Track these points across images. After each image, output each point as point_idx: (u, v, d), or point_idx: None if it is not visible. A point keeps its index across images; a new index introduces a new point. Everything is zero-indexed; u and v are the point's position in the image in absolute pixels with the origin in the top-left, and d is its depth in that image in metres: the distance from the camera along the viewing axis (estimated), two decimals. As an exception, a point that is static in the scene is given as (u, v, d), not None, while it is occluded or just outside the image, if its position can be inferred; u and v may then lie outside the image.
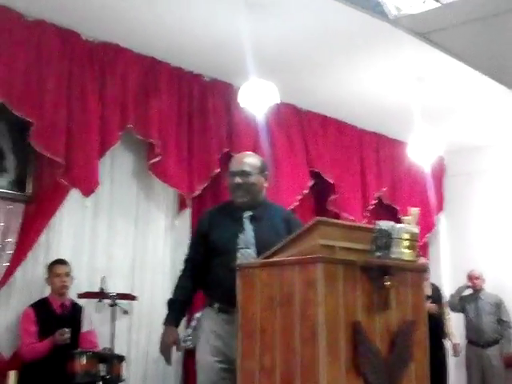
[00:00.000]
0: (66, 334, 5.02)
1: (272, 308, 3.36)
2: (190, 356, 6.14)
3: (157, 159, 5.99)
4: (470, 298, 8.13)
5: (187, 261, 3.87)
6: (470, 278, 8.07)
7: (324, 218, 3.42)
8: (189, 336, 6.02)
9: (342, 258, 3.31)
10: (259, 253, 3.47)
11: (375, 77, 6.40)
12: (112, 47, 5.82)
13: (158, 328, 5.91)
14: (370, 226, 3.42)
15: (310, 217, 7.34)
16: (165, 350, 3.69)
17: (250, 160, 3.80)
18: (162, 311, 3.92)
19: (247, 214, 3.69)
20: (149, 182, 6.21)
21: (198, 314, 6.11)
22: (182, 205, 6.35)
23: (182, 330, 6.10)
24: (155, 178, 6.10)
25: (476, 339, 8.02)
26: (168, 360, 3.69)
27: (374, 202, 7.79)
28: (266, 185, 3.83)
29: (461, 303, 8.08)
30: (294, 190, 7.04)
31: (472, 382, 8.11)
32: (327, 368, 3.20)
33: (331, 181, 7.34)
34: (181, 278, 3.85)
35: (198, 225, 3.97)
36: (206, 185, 6.41)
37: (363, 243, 3.38)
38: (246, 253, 3.57)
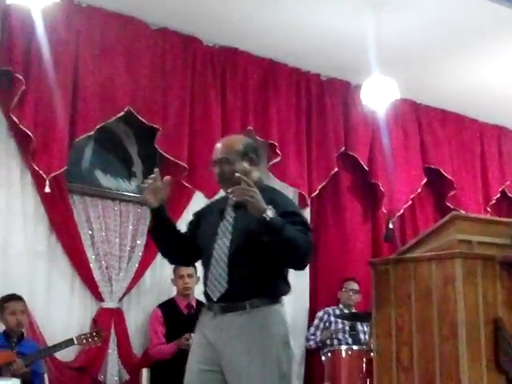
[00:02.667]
0: (190, 339, 5.12)
1: (408, 305, 3.33)
2: (312, 355, 6.17)
3: (277, 160, 6.04)
4: None
5: None
6: None
7: (460, 213, 3.38)
8: (312, 335, 6.04)
9: (480, 253, 3.25)
10: (233, 241, 3.07)
11: (498, 67, 6.22)
12: (232, 51, 5.93)
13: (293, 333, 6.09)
14: (509, 220, 3.34)
15: (429, 214, 7.24)
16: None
17: (228, 145, 3.24)
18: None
19: (231, 201, 3.13)
20: (269, 182, 6.23)
21: (320, 313, 6.14)
22: (301, 204, 6.36)
23: (301, 329, 6.16)
24: (274, 178, 6.15)
25: None
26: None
27: (496, 196, 7.56)
28: (252, 168, 3.23)
29: None
30: (408, 188, 6.94)
31: None
32: (468, 366, 3.15)
33: (450, 177, 7.18)
34: None
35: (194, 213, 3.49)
36: (324, 183, 6.41)
37: (501, 237, 3.31)
38: (222, 242, 3.11)
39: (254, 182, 3.04)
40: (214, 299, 3.00)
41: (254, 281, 3.01)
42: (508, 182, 7.67)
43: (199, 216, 3.32)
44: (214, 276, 3.04)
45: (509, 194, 7.69)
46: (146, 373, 5.17)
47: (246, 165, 3.18)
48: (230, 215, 3.14)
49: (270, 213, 2.85)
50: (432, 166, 7.14)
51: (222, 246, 3.10)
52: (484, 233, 3.32)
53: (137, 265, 5.42)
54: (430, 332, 3.23)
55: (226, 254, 3.05)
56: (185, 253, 3.32)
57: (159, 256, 5.53)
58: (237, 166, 3.14)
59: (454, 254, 3.17)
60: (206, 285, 3.09)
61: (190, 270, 5.40)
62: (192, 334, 5.01)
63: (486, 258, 3.24)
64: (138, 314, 5.49)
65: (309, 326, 6.15)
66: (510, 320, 3.29)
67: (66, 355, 4.95)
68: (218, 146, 3.24)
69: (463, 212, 6.94)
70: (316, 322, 6.10)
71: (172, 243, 3.28)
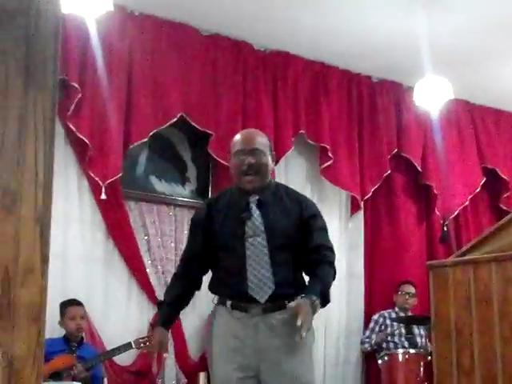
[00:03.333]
0: None
1: (467, 307, 3.30)
2: (368, 359, 6.14)
3: (329, 163, 6.03)
4: None
5: (181, 260, 3.38)
6: None
7: (522, 213, 3.30)
8: (367, 338, 6.00)
9: (542, 254, 3.19)
10: (269, 240, 3.02)
11: (554, 65, 6.11)
12: (283, 55, 5.95)
13: (343, 332, 6.06)
14: None
15: (485, 216, 7.12)
16: (150, 351, 3.51)
17: (260, 137, 3.20)
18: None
19: (254, 198, 3.08)
20: (321, 186, 6.25)
21: (375, 316, 6.10)
22: (354, 207, 6.34)
23: (356, 333, 6.12)
24: (327, 181, 6.14)
25: None
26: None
27: (550, 199, 7.40)
28: (274, 167, 3.30)
29: None
30: (465, 189, 6.84)
31: None
32: (531, 368, 3.09)
33: (505, 177, 7.05)
34: (172, 279, 3.45)
35: (191, 220, 3.42)
36: (377, 186, 6.37)
37: None
38: (256, 241, 3.04)
39: (271, 180, 3.16)
40: (262, 301, 2.96)
41: (293, 279, 3.05)
42: None
43: (205, 222, 3.16)
44: (258, 277, 2.99)
45: None
46: (203, 376, 5.21)
47: (270, 160, 3.15)
48: (256, 213, 3.05)
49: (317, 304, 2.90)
50: (488, 166, 7.04)
51: (258, 246, 3.03)
52: (545, 233, 3.27)
53: (190, 269, 5.45)
54: (491, 334, 3.19)
55: (266, 254, 3.01)
56: (199, 283, 3.31)
57: (214, 260, 5.62)
58: (268, 159, 3.12)
59: (514, 256, 3.13)
60: (241, 286, 3.00)
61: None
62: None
63: (547, 259, 3.19)
64: (195, 318, 5.50)
65: (364, 330, 6.12)
66: None
67: (124, 359, 5.02)
68: (249, 136, 3.18)
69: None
70: (371, 325, 6.06)
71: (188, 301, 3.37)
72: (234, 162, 3.10)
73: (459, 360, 3.29)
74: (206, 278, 5.43)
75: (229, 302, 3.03)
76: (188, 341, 5.37)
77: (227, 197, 3.18)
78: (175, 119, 5.37)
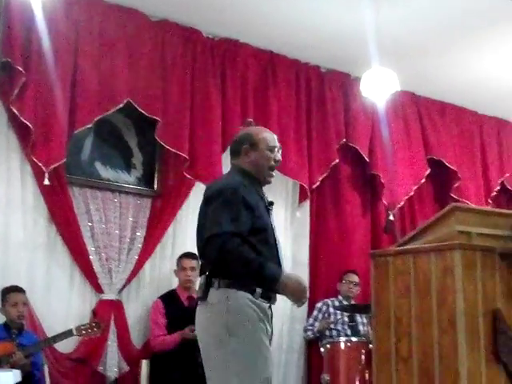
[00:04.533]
0: (195, 330, 5.13)
1: (407, 296, 3.34)
2: (311, 346, 6.19)
3: (277, 151, 6.03)
4: None
5: (241, 233, 3.06)
6: None
7: (460, 204, 3.38)
8: (310, 326, 6.05)
9: (479, 244, 3.25)
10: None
11: (498, 59, 6.20)
12: (232, 43, 5.93)
13: (287, 319, 6.08)
14: (508, 211, 3.35)
15: (430, 206, 7.23)
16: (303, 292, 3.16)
17: None
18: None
19: (267, 198, 3.31)
20: (269, 175, 6.25)
21: (319, 304, 6.15)
22: (302, 196, 6.37)
23: (300, 321, 6.18)
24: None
25: None
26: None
27: (496, 188, 7.57)
28: None
29: None
30: (410, 179, 6.94)
31: None
32: (467, 357, 3.16)
33: (454, 168, 7.17)
34: (244, 250, 3.06)
35: (240, 195, 3.13)
36: (325, 175, 6.41)
37: (501, 229, 3.32)
38: (278, 238, 3.28)
39: None
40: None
41: None
42: (507, 175, 7.68)
43: (251, 202, 3.15)
44: (284, 269, 3.16)
45: (508, 187, 7.70)
46: (145, 364, 5.20)
47: None
48: (270, 212, 3.28)
49: None
50: (435, 157, 7.13)
51: (280, 242, 3.26)
52: (483, 224, 3.33)
53: (136, 257, 5.42)
54: (429, 323, 3.24)
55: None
56: None
57: (159, 248, 5.59)
58: None
59: (453, 246, 3.17)
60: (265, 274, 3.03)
61: (193, 262, 5.39)
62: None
63: (485, 250, 3.25)
64: (138, 306, 5.49)
65: (308, 317, 6.16)
66: (508, 311, 3.30)
67: (65, 347, 4.97)
68: (273, 134, 3.40)
69: (467, 203, 6.94)
70: (315, 313, 6.11)
71: None
72: (268, 155, 3.28)
73: (398, 347, 3.34)
74: (150, 262, 5.47)
75: (259, 290, 3.06)
76: (131, 328, 5.33)
77: (252, 185, 3.24)
78: (122, 105, 5.31)
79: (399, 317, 3.35)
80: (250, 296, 3.05)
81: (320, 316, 6.07)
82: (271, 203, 3.30)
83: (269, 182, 3.33)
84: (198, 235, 3.19)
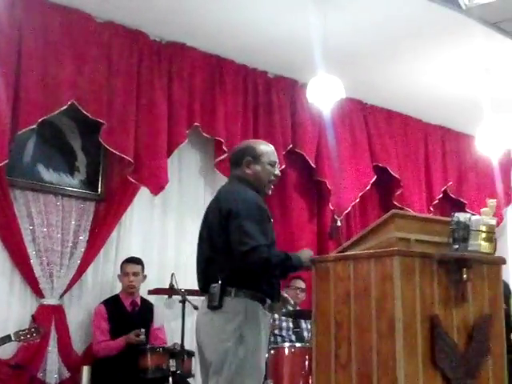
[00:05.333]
0: (141, 334, 5.10)
1: (347, 302, 3.35)
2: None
3: (224, 156, 6.01)
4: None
5: (270, 245, 3.29)
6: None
7: (400, 211, 3.41)
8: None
9: (418, 251, 3.28)
10: None
11: (442, 69, 6.31)
12: (178, 46, 5.89)
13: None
14: (447, 219, 3.38)
15: (375, 212, 7.31)
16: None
17: None
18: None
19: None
20: (215, 180, 6.23)
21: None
22: (248, 201, 6.35)
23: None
24: (221, 175, 6.12)
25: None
26: None
27: (439, 196, 7.69)
28: None
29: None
30: (356, 186, 7.00)
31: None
32: (405, 363, 3.18)
33: (397, 175, 7.26)
34: (277, 253, 3.34)
35: (264, 209, 3.39)
36: (271, 181, 6.40)
37: (439, 236, 3.35)
38: None
39: None
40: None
41: None
42: (450, 183, 7.82)
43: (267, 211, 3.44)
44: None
45: (450, 194, 7.83)
46: (86, 370, 5.12)
47: None
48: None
49: None
50: (380, 165, 7.22)
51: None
52: (422, 231, 3.36)
53: (79, 261, 5.35)
54: (368, 329, 3.25)
55: None
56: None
57: (102, 252, 5.53)
58: None
59: (392, 252, 3.19)
60: (277, 285, 3.39)
61: (136, 267, 5.37)
62: (142, 330, 5.03)
63: (423, 256, 3.27)
64: (80, 311, 5.43)
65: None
66: (446, 317, 3.34)
67: (4, 352, 4.86)
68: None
69: (409, 210, 7.05)
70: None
71: None
72: (269, 170, 3.46)
73: (337, 353, 3.34)
74: (93, 267, 5.39)
75: (268, 301, 3.31)
76: (72, 334, 5.26)
77: (259, 197, 3.42)
78: (66, 106, 5.23)
79: (339, 322, 3.36)
80: (261, 306, 3.28)
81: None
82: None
83: (267, 195, 3.53)
84: (210, 244, 3.34)
